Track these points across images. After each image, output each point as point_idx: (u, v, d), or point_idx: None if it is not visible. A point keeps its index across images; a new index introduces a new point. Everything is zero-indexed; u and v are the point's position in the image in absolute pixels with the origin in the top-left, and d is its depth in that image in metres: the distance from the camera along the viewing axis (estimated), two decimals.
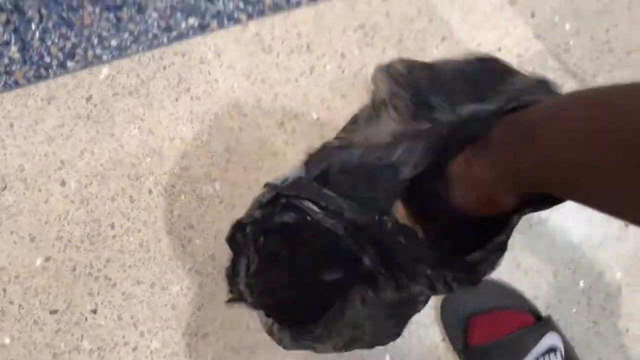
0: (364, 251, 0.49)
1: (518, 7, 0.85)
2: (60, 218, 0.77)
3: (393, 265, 0.48)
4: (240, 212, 0.78)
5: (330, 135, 0.81)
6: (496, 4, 0.85)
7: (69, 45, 0.81)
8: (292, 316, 0.56)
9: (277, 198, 0.51)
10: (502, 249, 0.50)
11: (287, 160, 0.80)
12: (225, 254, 0.77)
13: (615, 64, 0.85)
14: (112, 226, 0.77)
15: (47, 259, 0.75)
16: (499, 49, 0.85)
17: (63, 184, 0.78)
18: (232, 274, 0.56)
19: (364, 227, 0.48)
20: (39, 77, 0.79)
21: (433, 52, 0.84)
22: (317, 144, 0.82)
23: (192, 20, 0.84)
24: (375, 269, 0.49)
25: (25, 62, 0.80)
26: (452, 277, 0.49)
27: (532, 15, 0.85)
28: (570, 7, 0.86)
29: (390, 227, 0.47)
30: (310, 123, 0.82)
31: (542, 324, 0.71)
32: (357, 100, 0.83)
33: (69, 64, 0.80)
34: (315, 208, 0.49)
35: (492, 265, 0.50)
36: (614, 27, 0.86)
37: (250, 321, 0.76)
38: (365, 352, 0.77)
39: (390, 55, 0.84)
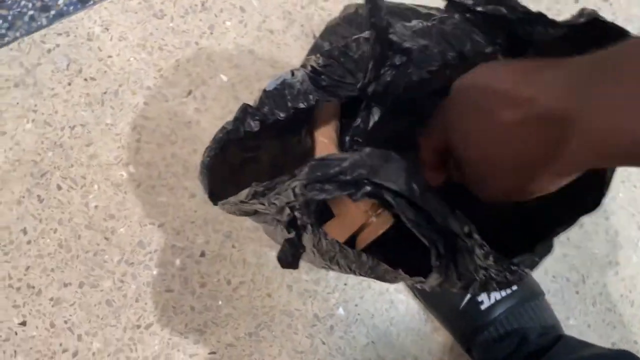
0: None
1: None
2: None
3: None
4: (161, 192, 0.74)
5: (244, 95, 0.77)
6: None
7: None
8: None
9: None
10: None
11: (202, 129, 0.76)
12: (154, 239, 0.73)
13: None
14: (25, 231, 0.71)
15: None
16: None
17: None
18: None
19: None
20: None
21: None
22: (232, 107, 0.78)
23: None
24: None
25: None
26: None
27: None
28: None
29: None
30: (220, 86, 0.77)
31: None
32: (266, 53, 0.78)
33: None
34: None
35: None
36: None
37: (193, 302, 0.72)
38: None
39: (291, 1, 0.80)
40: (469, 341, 0.70)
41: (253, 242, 0.75)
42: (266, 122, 0.43)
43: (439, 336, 0.75)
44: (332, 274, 0.75)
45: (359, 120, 0.71)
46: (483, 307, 0.67)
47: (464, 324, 0.69)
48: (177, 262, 0.73)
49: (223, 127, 0.43)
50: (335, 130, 0.72)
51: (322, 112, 0.58)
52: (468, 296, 0.68)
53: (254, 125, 0.42)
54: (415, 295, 0.75)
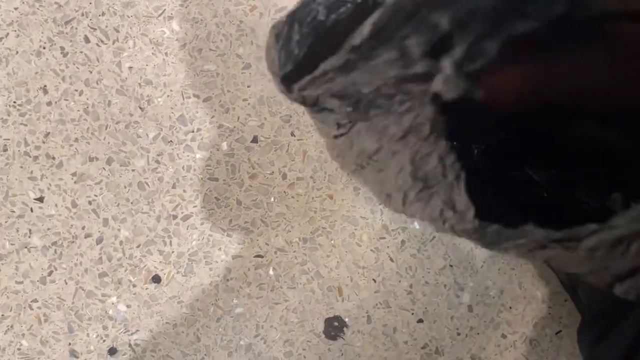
0: None
1: None
2: None
3: None
4: (209, 58, 0.60)
5: None
6: None
7: None
8: None
9: None
10: None
11: None
12: (198, 115, 0.59)
13: None
14: (45, 90, 0.58)
15: None
16: None
17: None
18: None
19: None
20: None
21: None
22: None
23: None
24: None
25: None
26: None
27: None
28: None
29: None
30: None
31: None
32: None
33: None
34: None
35: None
36: None
37: (241, 195, 0.60)
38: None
39: None
40: (577, 278, 0.56)
41: (317, 131, 0.60)
42: None
43: (534, 267, 0.62)
44: None
45: None
46: None
47: None
48: (224, 145, 0.60)
49: None
50: None
51: None
52: None
53: None
54: None
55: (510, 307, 0.62)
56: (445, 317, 0.62)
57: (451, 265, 0.61)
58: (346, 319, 0.61)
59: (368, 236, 0.61)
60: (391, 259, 0.61)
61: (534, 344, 0.62)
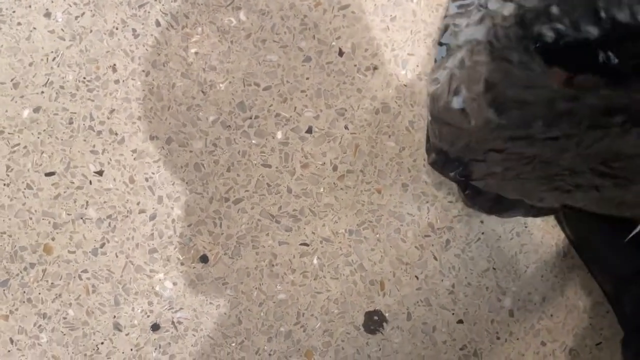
0: None
1: None
2: (47, 59, 0.61)
3: None
4: (272, 49, 0.62)
5: None
6: None
7: None
8: None
9: None
10: None
11: None
12: (257, 102, 0.61)
13: None
14: (114, 68, 0.61)
15: (37, 110, 0.60)
16: None
17: (47, 15, 0.61)
18: None
19: None
20: None
21: None
22: None
23: None
24: None
25: None
26: None
27: None
28: None
29: None
30: None
31: None
32: None
33: None
34: None
35: None
36: None
37: (291, 184, 0.61)
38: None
39: None
40: (624, 286, 0.56)
41: (370, 127, 0.62)
42: None
43: (577, 276, 0.62)
44: None
45: None
46: None
47: (623, 262, 0.55)
48: (280, 134, 0.62)
49: None
50: None
51: None
52: None
53: None
54: (560, 221, 0.61)
55: (552, 315, 0.62)
56: (486, 320, 0.62)
57: (494, 268, 0.62)
58: (386, 314, 0.62)
59: (413, 233, 0.62)
60: (435, 258, 0.62)
61: (573, 354, 0.62)
